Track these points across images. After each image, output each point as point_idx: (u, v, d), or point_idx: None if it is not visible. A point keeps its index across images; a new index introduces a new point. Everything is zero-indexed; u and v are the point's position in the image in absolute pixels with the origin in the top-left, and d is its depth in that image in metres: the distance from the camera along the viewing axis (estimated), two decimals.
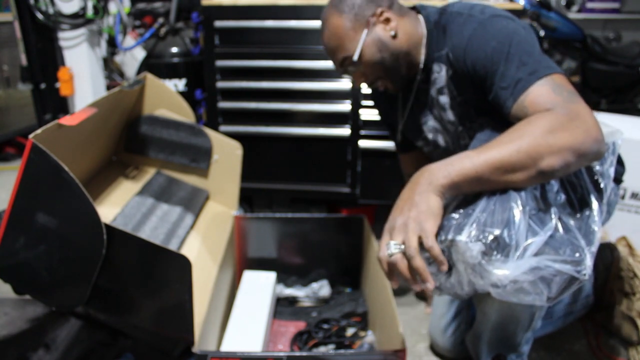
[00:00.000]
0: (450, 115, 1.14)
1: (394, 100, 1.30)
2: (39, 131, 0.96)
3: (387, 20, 1.09)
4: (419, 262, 0.81)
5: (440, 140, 1.21)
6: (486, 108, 1.02)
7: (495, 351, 1.19)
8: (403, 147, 1.38)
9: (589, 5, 3.95)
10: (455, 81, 1.08)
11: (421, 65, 1.12)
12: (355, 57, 1.08)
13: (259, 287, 1.49)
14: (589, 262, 0.82)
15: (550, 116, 0.83)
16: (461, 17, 1.04)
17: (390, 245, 0.84)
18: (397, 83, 1.15)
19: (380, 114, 1.41)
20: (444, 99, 1.13)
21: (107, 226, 0.95)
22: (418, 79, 1.15)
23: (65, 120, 1.06)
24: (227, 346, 1.24)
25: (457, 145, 1.18)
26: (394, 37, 1.09)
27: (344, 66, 1.13)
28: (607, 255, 1.44)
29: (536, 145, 0.81)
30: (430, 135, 1.23)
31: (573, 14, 3.90)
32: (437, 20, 1.10)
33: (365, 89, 1.81)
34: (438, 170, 0.85)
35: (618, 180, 1.17)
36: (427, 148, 1.28)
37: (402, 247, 0.83)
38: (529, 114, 0.88)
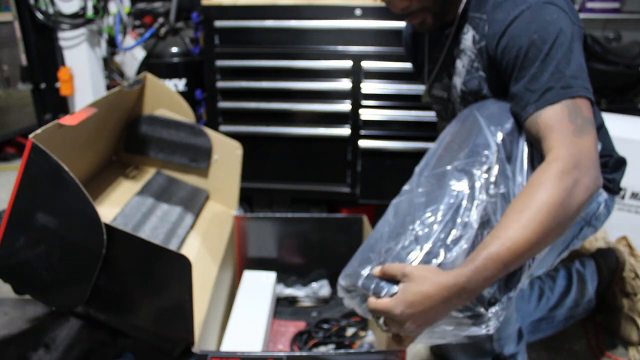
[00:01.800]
0: (458, 82, 1.09)
1: (420, 47, 1.23)
2: (39, 131, 0.96)
3: None
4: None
5: (447, 96, 1.17)
6: (495, 93, 0.98)
7: (472, 357, 1.16)
8: None
9: (589, 5, 3.94)
10: (480, 53, 1.01)
11: (464, 28, 1.05)
12: None
13: (259, 287, 1.49)
14: (492, 321, 0.84)
15: (552, 185, 0.81)
16: None
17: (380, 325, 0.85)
18: (437, 19, 1.07)
19: (411, 58, 1.32)
20: (460, 64, 1.07)
21: (107, 226, 0.95)
22: (447, 32, 1.08)
23: (65, 120, 1.06)
24: (227, 346, 1.24)
25: (451, 112, 1.14)
26: None
27: None
28: (612, 260, 1.41)
29: (548, 226, 0.80)
30: (437, 92, 1.19)
31: None
32: None
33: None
34: (475, 286, 0.80)
35: (614, 191, 1.15)
36: (428, 100, 1.24)
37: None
38: (538, 135, 0.88)
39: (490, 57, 0.98)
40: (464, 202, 0.88)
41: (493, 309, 0.84)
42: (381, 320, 0.85)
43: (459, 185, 0.90)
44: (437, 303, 0.79)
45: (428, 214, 0.89)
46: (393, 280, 0.84)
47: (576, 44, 0.91)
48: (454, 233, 0.86)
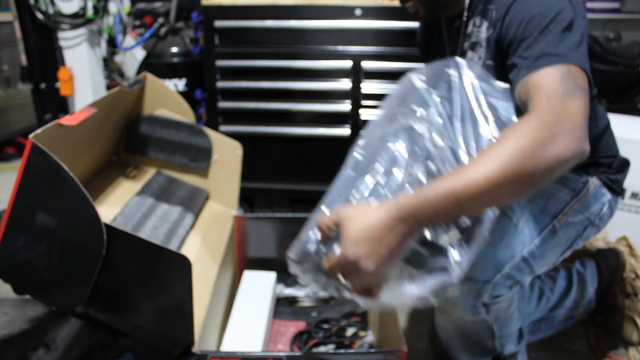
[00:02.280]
0: None
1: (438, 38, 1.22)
2: (39, 131, 0.96)
3: None
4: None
5: None
6: (506, 80, 0.96)
7: (474, 355, 1.17)
8: None
9: (589, 5, 3.94)
10: (490, 42, 1.02)
11: (465, 14, 1.05)
12: None
13: (259, 287, 1.49)
14: (455, 267, 0.77)
15: (527, 132, 0.76)
16: None
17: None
18: (430, 13, 1.08)
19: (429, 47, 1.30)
20: (473, 56, 1.07)
21: (107, 226, 0.95)
22: (456, 24, 1.09)
23: (65, 120, 1.06)
24: (227, 346, 1.24)
25: None
26: None
27: None
28: (613, 261, 1.41)
29: (517, 174, 0.74)
30: None
31: None
32: None
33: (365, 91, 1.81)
34: (423, 216, 0.75)
35: (617, 192, 1.15)
36: None
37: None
38: (527, 97, 0.84)
39: (497, 41, 0.97)
40: (405, 155, 0.84)
41: (455, 254, 0.78)
42: (342, 279, 0.79)
43: (400, 143, 0.86)
44: (383, 232, 0.74)
45: (369, 175, 0.84)
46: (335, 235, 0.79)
47: (578, 27, 0.89)
48: (397, 180, 0.81)
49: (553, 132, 0.75)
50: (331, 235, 0.81)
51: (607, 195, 1.12)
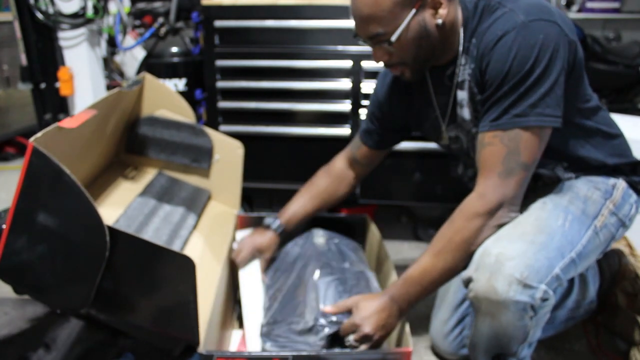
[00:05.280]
0: (466, 114, 1.11)
1: (408, 92, 1.24)
2: (39, 134, 0.96)
3: (439, 5, 0.98)
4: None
5: (461, 136, 1.19)
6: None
7: (490, 356, 1.17)
8: (382, 141, 1.37)
9: (589, 5, 3.94)
10: (475, 78, 1.03)
11: (460, 60, 1.06)
12: (394, 39, 0.98)
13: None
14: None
15: (467, 226, 1.02)
16: (503, 8, 0.98)
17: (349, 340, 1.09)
18: (416, 74, 1.09)
19: (384, 101, 1.31)
20: (462, 95, 1.09)
21: (110, 228, 0.95)
22: (448, 73, 1.09)
23: (66, 123, 1.06)
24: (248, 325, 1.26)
25: (472, 145, 1.15)
26: (438, 26, 1.00)
27: (371, 39, 1.02)
28: (615, 262, 1.41)
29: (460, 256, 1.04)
30: (452, 133, 1.21)
31: (573, 14, 3.90)
32: (476, 4, 1.02)
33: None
34: (402, 300, 1.08)
35: None
36: (447, 143, 1.25)
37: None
38: (477, 165, 1.03)
39: (482, 76, 1.02)
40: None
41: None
42: (351, 338, 1.08)
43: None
44: (387, 313, 1.07)
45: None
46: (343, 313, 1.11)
47: (556, 63, 0.95)
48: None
49: (484, 222, 1.01)
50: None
51: (634, 196, 1.15)
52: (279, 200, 2.06)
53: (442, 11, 0.99)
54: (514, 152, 0.98)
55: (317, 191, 1.45)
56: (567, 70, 0.99)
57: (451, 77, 1.10)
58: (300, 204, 1.44)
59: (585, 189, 1.11)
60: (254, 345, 1.22)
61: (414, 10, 0.97)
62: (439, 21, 0.99)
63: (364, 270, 1.36)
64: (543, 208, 1.08)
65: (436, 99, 1.18)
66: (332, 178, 1.45)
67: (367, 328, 1.05)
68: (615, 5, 3.96)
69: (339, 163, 1.46)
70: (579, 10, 3.98)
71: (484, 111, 1.02)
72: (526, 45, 0.94)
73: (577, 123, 1.11)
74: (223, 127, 1.91)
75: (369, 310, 1.07)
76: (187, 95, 1.98)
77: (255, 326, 1.26)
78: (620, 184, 1.13)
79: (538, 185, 1.16)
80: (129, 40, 2.01)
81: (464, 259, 1.03)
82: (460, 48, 1.06)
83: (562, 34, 0.96)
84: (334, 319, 1.11)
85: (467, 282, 1.04)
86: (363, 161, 1.42)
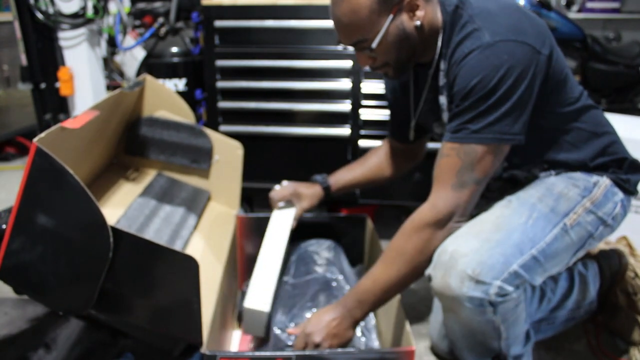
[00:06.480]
0: (445, 117, 1.13)
1: (406, 88, 1.26)
2: (43, 135, 0.96)
3: (415, 7, 1.01)
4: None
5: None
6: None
7: (478, 356, 1.18)
8: (401, 135, 1.37)
9: (589, 5, 3.95)
10: (448, 87, 1.07)
11: (436, 58, 1.08)
12: (374, 45, 1.01)
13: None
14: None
15: (417, 236, 1.06)
16: (472, 24, 1.00)
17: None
18: (400, 73, 1.12)
19: (392, 98, 1.37)
20: (443, 100, 1.12)
21: (113, 229, 0.95)
22: (431, 72, 1.12)
23: (68, 124, 1.06)
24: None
25: None
26: (417, 28, 1.02)
27: (354, 45, 1.06)
28: (615, 262, 1.41)
29: (413, 267, 1.07)
30: (438, 130, 1.23)
31: (573, 14, 3.90)
32: (454, 12, 1.04)
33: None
34: (353, 307, 1.09)
35: (629, 191, 1.16)
36: (438, 139, 1.27)
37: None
38: (434, 173, 1.06)
39: (449, 88, 1.05)
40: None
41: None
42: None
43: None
44: (338, 321, 1.08)
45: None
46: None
47: (523, 82, 0.97)
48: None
49: (434, 232, 1.04)
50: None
51: (619, 195, 1.14)
52: None
53: (420, 13, 1.02)
54: (468, 166, 1.00)
55: (367, 165, 1.48)
56: (541, 83, 1.01)
57: (434, 76, 1.12)
58: (349, 171, 1.48)
59: (562, 186, 1.11)
60: (252, 300, 1.23)
61: (391, 16, 1.00)
62: (417, 23, 1.02)
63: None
64: (507, 206, 1.10)
65: (423, 95, 1.20)
66: (382, 158, 1.47)
67: (317, 337, 1.07)
68: (615, 5, 3.97)
69: (389, 148, 1.47)
70: (579, 10, 3.98)
71: (448, 121, 1.06)
72: (489, 65, 0.96)
73: (558, 128, 1.12)
74: (223, 127, 1.91)
75: (319, 321, 1.09)
76: (187, 95, 1.98)
77: (261, 280, 1.28)
78: (603, 181, 1.12)
79: (516, 186, 1.17)
80: (129, 40, 2.01)
81: (416, 268, 1.06)
82: (439, 52, 1.08)
83: (531, 53, 0.97)
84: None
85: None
86: (400, 153, 1.45)
